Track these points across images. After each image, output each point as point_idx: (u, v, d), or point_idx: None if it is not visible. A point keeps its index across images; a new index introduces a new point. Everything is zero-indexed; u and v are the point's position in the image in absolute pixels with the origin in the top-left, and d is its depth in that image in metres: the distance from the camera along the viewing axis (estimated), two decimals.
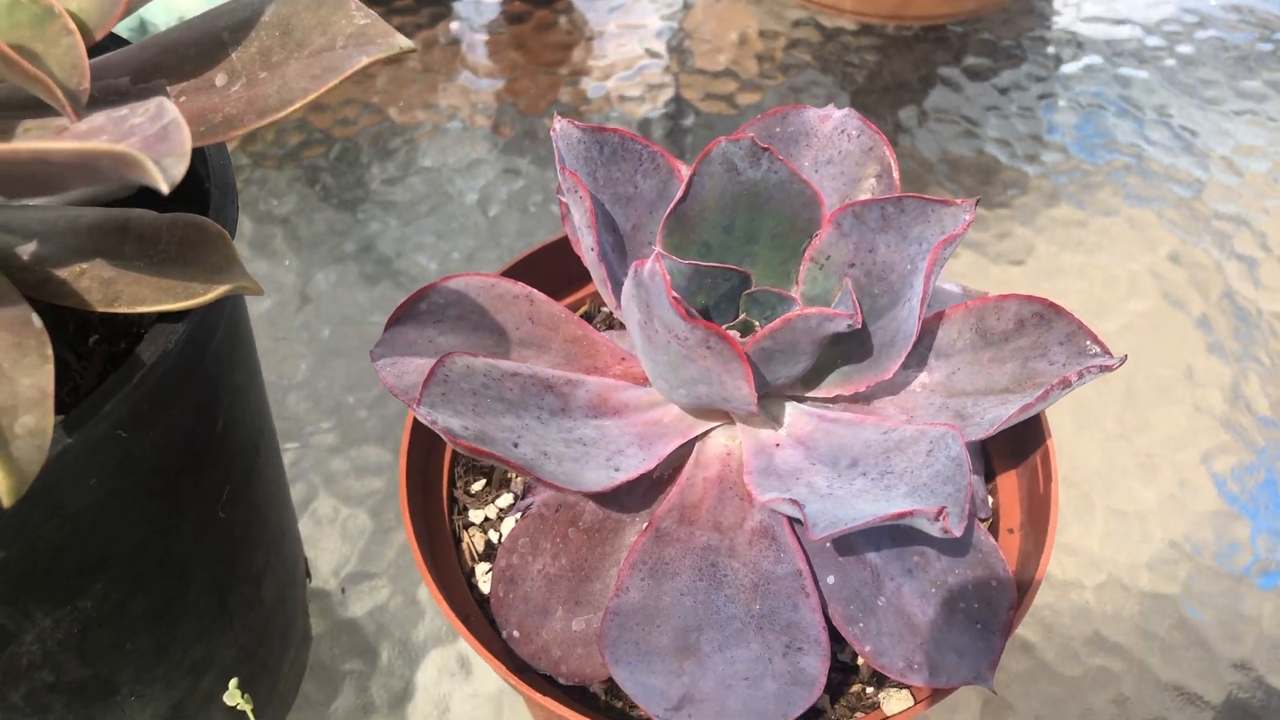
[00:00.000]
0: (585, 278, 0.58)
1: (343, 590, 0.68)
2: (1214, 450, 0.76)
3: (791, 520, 0.44)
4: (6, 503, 0.30)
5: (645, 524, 0.45)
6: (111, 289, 0.37)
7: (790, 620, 0.41)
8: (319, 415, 0.77)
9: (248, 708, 0.47)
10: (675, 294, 0.37)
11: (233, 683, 0.48)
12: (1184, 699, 0.64)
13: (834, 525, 0.37)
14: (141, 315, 0.43)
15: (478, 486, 0.53)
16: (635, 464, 0.42)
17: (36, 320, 0.33)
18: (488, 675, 0.65)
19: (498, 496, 0.53)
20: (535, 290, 0.50)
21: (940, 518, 0.35)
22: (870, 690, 0.47)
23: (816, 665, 0.40)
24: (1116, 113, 1.01)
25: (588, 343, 0.49)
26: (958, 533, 0.36)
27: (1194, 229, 0.91)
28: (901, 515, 0.36)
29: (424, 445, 0.53)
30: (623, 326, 0.58)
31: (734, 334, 0.44)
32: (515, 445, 0.40)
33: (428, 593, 0.68)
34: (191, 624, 0.48)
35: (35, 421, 0.31)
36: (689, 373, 0.40)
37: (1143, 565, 0.70)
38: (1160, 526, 0.72)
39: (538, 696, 0.43)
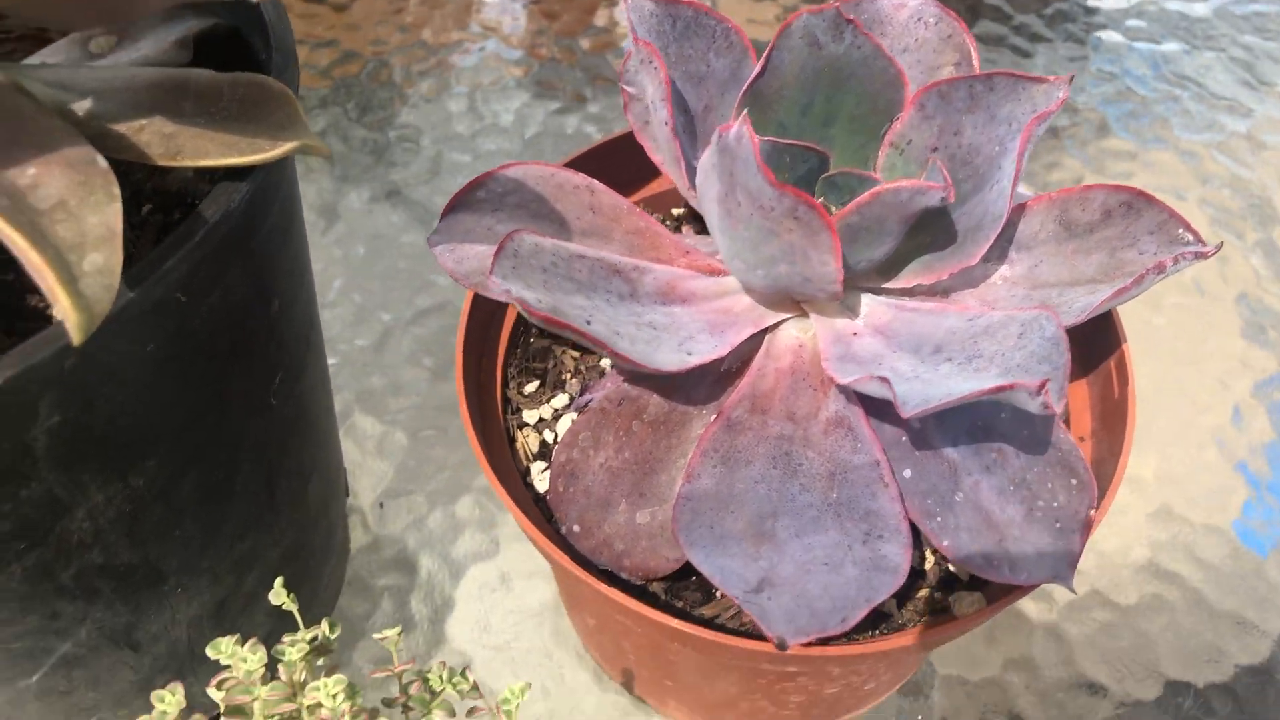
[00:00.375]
0: (645, 179, 0.56)
1: (380, 505, 0.67)
2: (1270, 379, 0.74)
3: (868, 411, 0.42)
4: (76, 340, 0.28)
5: (713, 416, 0.44)
6: (173, 143, 0.35)
7: (869, 509, 0.39)
8: (353, 334, 0.75)
9: (293, 607, 0.46)
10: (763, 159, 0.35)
11: (278, 581, 0.46)
12: (1240, 628, 0.63)
13: (925, 403, 0.35)
14: (196, 187, 0.42)
15: (531, 388, 0.52)
16: (707, 349, 0.41)
17: (101, 161, 0.31)
18: (528, 591, 0.64)
19: (552, 397, 0.51)
20: (596, 181, 0.48)
21: (1042, 392, 0.34)
22: (939, 595, 0.46)
23: (899, 553, 0.38)
24: (1170, 42, 0.99)
25: (651, 235, 0.47)
26: (1058, 408, 0.34)
27: (1246, 160, 0.88)
28: (1001, 389, 0.34)
29: (477, 346, 0.51)
30: (689, 222, 0.56)
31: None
32: (588, 323, 0.38)
33: (466, 509, 0.67)
34: (239, 515, 0.47)
35: (104, 260, 0.29)
36: (770, 250, 0.38)
37: (1198, 494, 0.69)
38: (1215, 455, 0.70)
39: (604, 588, 0.41)
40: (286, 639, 0.42)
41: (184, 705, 0.38)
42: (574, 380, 0.51)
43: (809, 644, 0.40)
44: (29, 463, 0.35)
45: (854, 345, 0.41)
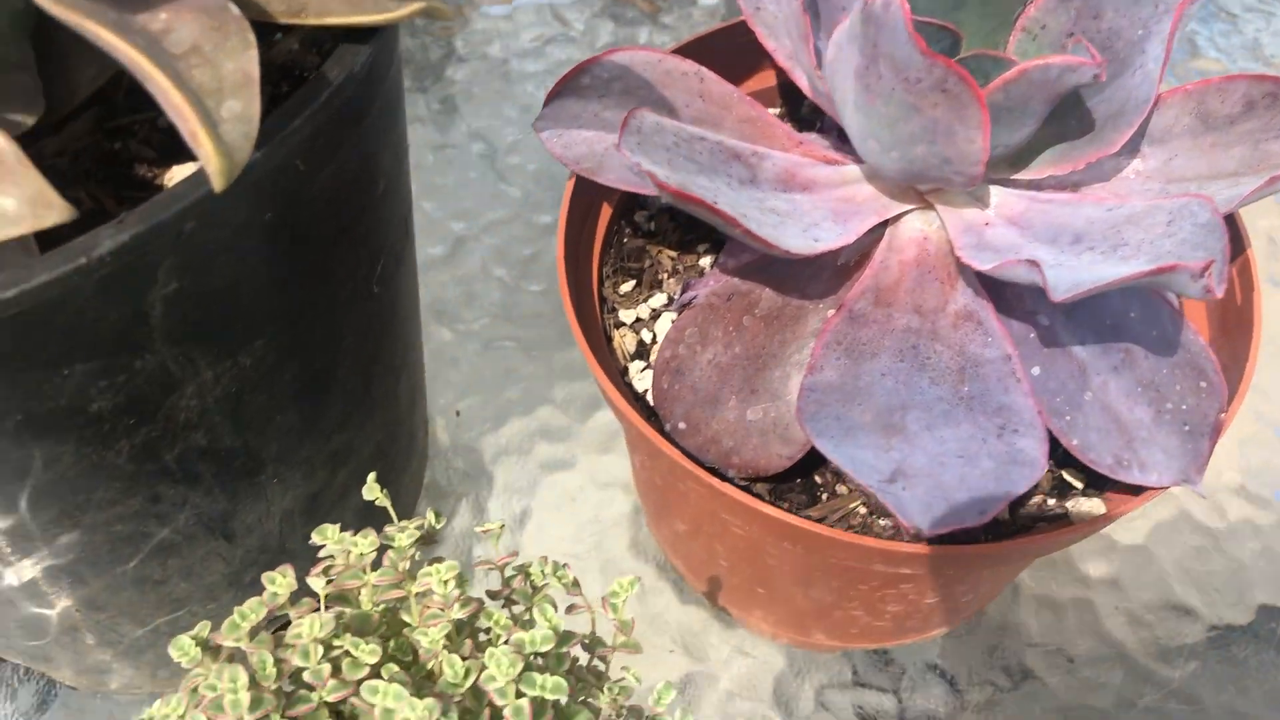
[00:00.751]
0: (741, 77, 0.54)
1: (457, 413, 0.66)
2: None
3: (997, 305, 0.40)
4: (218, 186, 0.27)
5: (830, 311, 0.42)
6: (296, 0, 0.34)
7: (1002, 403, 0.38)
8: (425, 242, 0.74)
9: (386, 502, 0.45)
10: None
11: (371, 476, 0.45)
12: None
13: (1076, 287, 0.34)
14: (303, 59, 0.40)
15: (627, 287, 0.50)
16: (833, 237, 0.39)
17: (234, 8, 0.30)
18: (605, 502, 0.63)
19: (648, 297, 0.50)
20: (705, 68, 0.46)
21: (1204, 274, 0.32)
22: (1052, 502, 0.44)
23: (1035, 447, 0.37)
24: None
25: (763, 124, 0.45)
26: (1219, 292, 0.33)
27: None
28: (1161, 270, 0.33)
29: (574, 244, 0.50)
30: (787, 121, 0.54)
31: None
32: (715, 202, 0.37)
33: (543, 419, 0.66)
34: (336, 407, 0.46)
35: (242, 107, 0.28)
36: (911, 127, 0.36)
37: None
38: None
39: (719, 483, 0.40)
40: (393, 526, 0.41)
41: (295, 587, 0.38)
42: (671, 280, 0.50)
43: (933, 541, 0.39)
44: (144, 332, 0.34)
45: (986, 235, 0.39)
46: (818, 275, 0.42)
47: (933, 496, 0.35)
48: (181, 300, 0.34)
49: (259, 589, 0.37)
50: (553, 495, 0.63)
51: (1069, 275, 0.35)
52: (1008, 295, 0.41)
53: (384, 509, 0.41)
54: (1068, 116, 0.41)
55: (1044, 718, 0.56)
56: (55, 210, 0.29)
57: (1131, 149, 0.42)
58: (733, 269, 0.45)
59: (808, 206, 0.40)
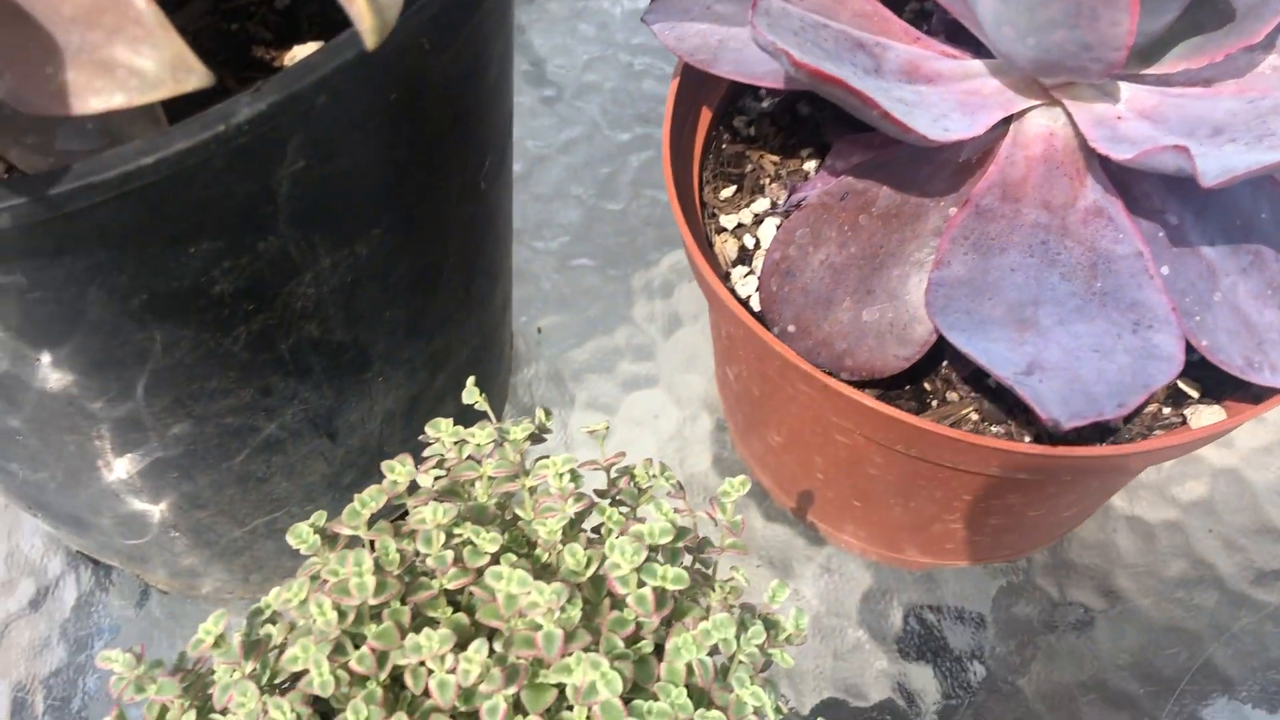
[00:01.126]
0: None
1: (539, 330, 0.65)
2: None
3: (1126, 201, 0.39)
4: (371, 44, 0.26)
5: (952, 209, 0.41)
6: None
7: (1135, 299, 0.37)
8: None
9: (485, 405, 0.45)
10: None
11: (470, 379, 0.45)
12: None
13: (1227, 171, 0.33)
14: None
15: (727, 193, 0.50)
16: (962, 128, 0.38)
17: None
18: (687, 421, 0.62)
19: (750, 202, 0.49)
20: None
21: None
22: (1167, 410, 0.43)
23: (1171, 342, 0.36)
24: None
25: (879, 19, 0.44)
26: None
27: None
28: None
29: (677, 152, 0.49)
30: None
31: None
32: (849, 81, 0.36)
33: (623, 338, 0.65)
34: (440, 306, 0.45)
35: None
36: (1051, 11, 0.35)
37: None
38: None
39: (833, 383, 0.40)
40: (507, 421, 0.40)
41: (414, 476, 0.37)
42: (774, 185, 0.49)
43: (1059, 440, 0.38)
44: (270, 212, 0.34)
45: (1120, 128, 0.38)
46: (938, 173, 0.41)
47: (1070, 389, 0.34)
48: (307, 179, 0.34)
49: (356, 492, 0.36)
50: (635, 413, 0.63)
51: (1216, 162, 0.34)
52: (1135, 194, 0.40)
53: (482, 413, 0.40)
54: (1204, 6, 0.39)
55: (1137, 639, 0.55)
56: (196, 75, 0.28)
57: (1267, 45, 0.41)
58: (843, 170, 0.44)
59: (934, 98, 0.39)
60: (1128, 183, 0.40)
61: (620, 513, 0.40)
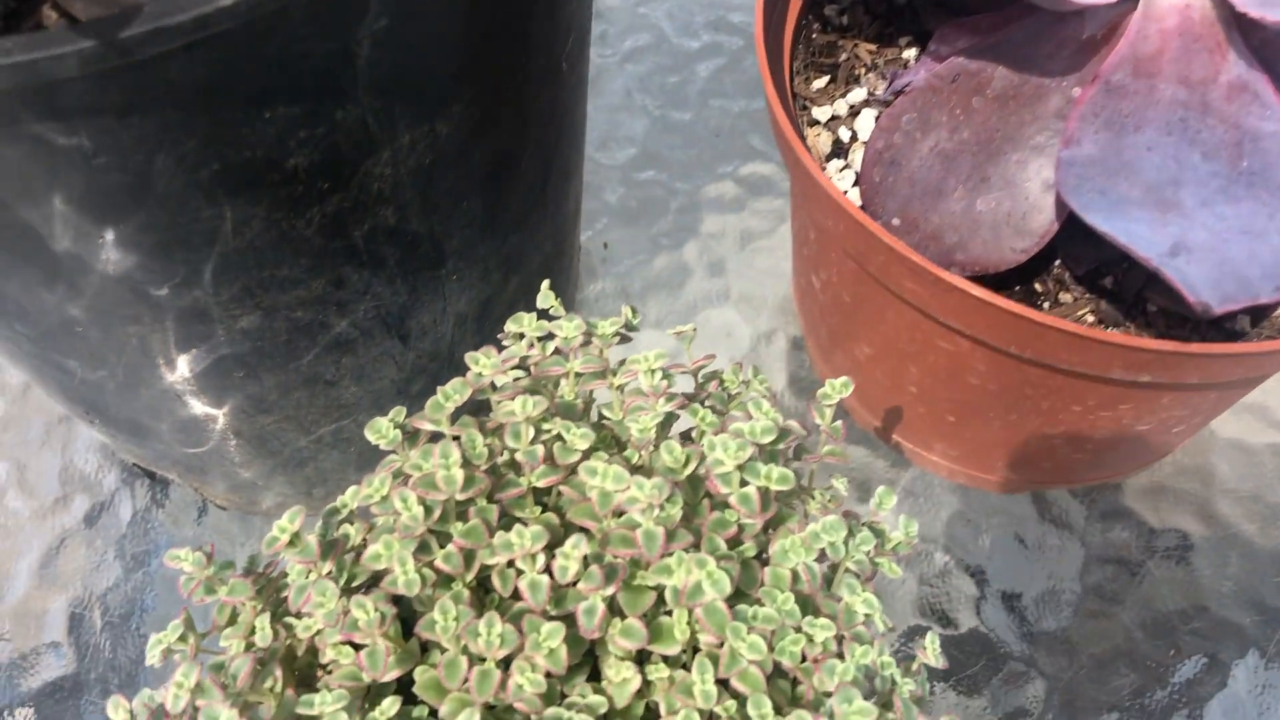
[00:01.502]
0: None
1: (605, 245, 0.63)
2: None
3: (1271, 78, 0.36)
4: None
5: (1075, 89, 0.38)
6: None
7: None
8: None
9: (561, 310, 0.42)
10: None
11: (545, 284, 0.43)
12: None
13: None
14: None
15: (820, 83, 0.46)
16: None
17: None
18: (761, 341, 0.59)
19: (846, 93, 0.46)
20: None
21: None
22: None
23: None
24: None
25: None
26: None
27: None
28: None
29: (767, 38, 0.46)
30: None
31: None
32: None
33: (693, 254, 0.63)
34: (516, 203, 0.42)
35: None
36: None
37: None
38: None
39: (949, 277, 0.37)
40: (595, 318, 0.38)
41: (499, 368, 0.35)
42: (871, 75, 0.46)
43: (1191, 336, 0.35)
44: (349, 76, 0.31)
45: None
46: (1059, 51, 0.38)
47: (1220, 271, 0.31)
48: (389, 41, 0.31)
49: (425, 399, 0.34)
50: (706, 331, 0.60)
51: None
52: (1278, 70, 0.37)
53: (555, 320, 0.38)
54: None
55: (1241, 566, 0.52)
56: None
57: None
58: (950, 55, 0.40)
59: None
60: (1269, 59, 0.37)
61: (713, 416, 0.37)
